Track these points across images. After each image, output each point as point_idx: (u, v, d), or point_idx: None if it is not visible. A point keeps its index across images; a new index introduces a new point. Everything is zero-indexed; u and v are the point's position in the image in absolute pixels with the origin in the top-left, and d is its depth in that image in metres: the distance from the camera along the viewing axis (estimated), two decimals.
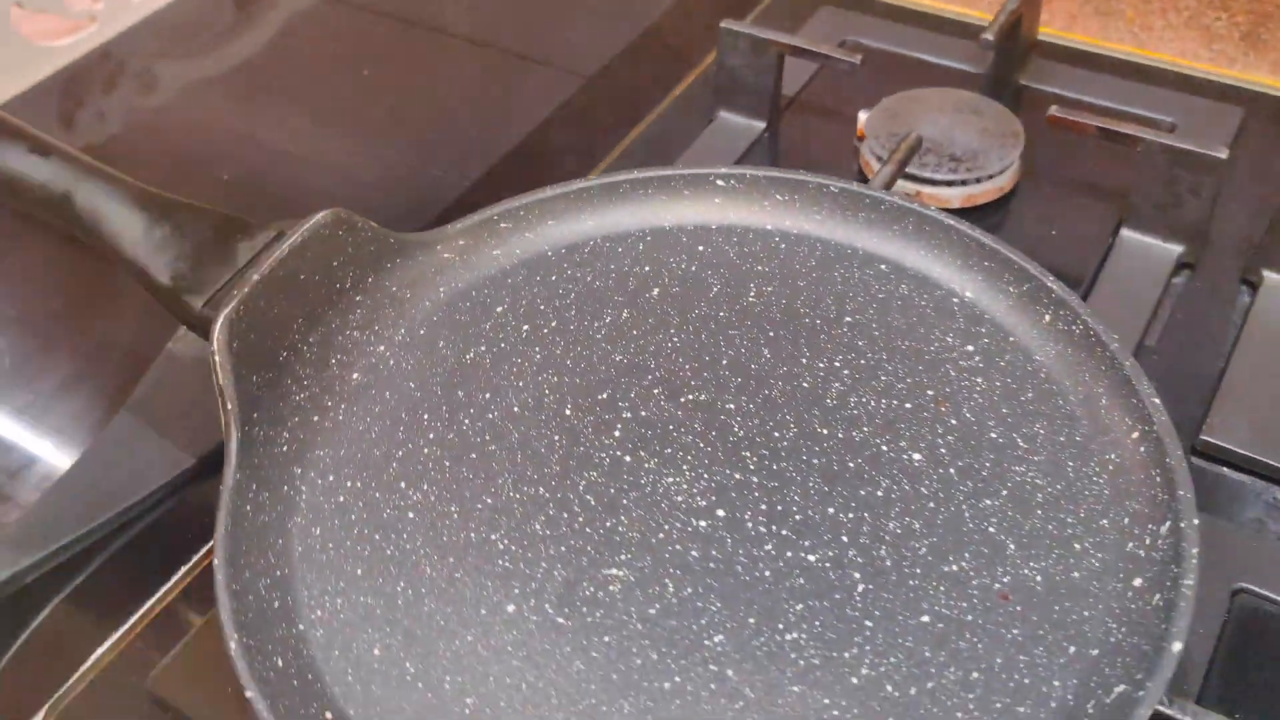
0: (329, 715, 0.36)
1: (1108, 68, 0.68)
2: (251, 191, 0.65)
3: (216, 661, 0.43)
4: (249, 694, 0.35)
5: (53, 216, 0.46)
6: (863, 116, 0.62)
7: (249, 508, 0.41)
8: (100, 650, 0.45)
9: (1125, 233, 0.57)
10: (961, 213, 0.59)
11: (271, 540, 0.40)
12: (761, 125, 0.64)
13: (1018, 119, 0.60)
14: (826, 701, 0.36)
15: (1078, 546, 0.39)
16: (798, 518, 0.40)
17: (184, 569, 0.47)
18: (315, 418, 0.44)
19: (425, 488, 0.42)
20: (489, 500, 0.42)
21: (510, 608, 0.39)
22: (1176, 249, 0.56)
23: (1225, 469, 0.48)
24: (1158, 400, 0.41)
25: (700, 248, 0.50)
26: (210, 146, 0.68)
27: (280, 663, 0.37)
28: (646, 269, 0.49)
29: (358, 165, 0.66)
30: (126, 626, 0.45)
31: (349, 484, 0.42)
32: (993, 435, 0.42)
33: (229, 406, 0.41)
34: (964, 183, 0.58)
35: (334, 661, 0.38)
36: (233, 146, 0.68)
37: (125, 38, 0.76)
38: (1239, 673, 0.42)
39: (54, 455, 0.52)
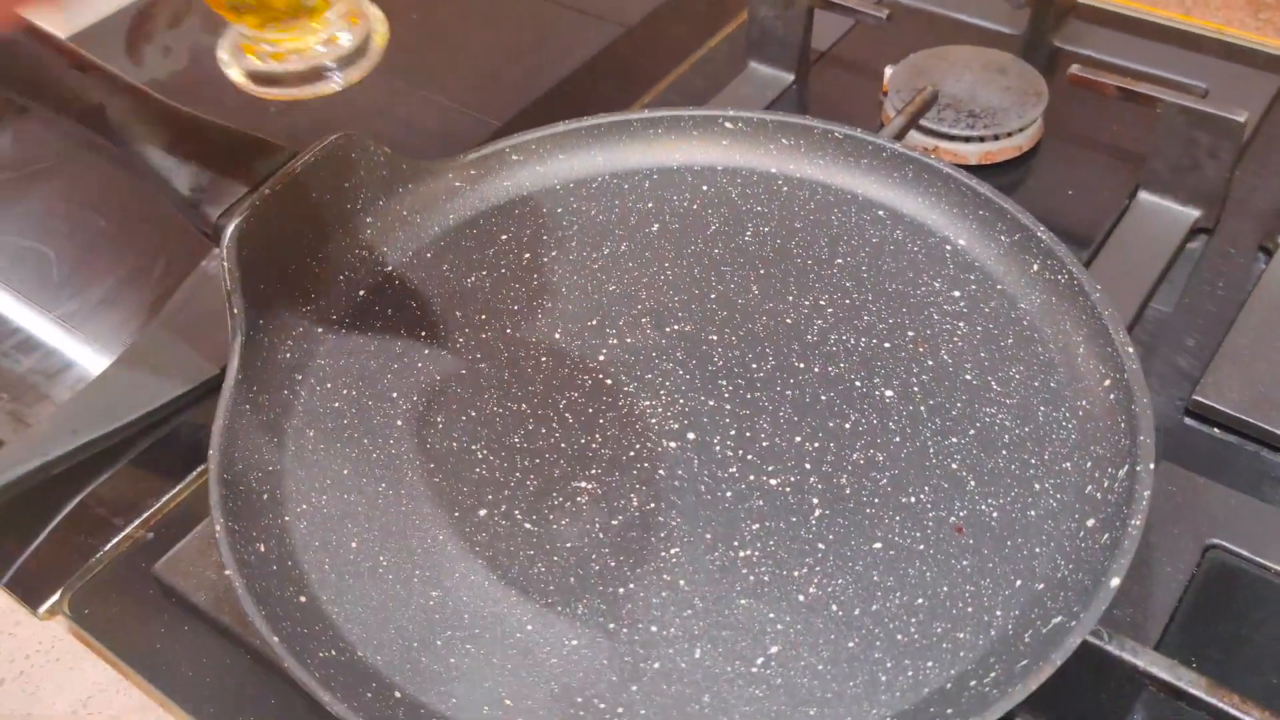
0: (303, 599, 0.39)
1: (1151, 33, 0.67)
2: (293, 123, 0.67)
3: (216, 552, 0.46)
4: (228, 572, 0.37)
5: (90, 127, 0.49)
6: (889, 72, 0.62)
7: (248, 406, 0.43)
8: (114, 540, 0.48)
9: (1142, 195, 0.56)
10: (979, 169, 0.59)
11: (267, 438, 0.43)
12: (790, 77, 0.65)
13: (1042, 79, 0.60)
14: (771, 615, 0.37)
15: (1038, 487, 0.40)
16: (764, 444, 0.42)
17: (195, 472, 0.49)
18: (319, 329, 0.46)
19: (415, 398, 0.44)
20: (473, 413, 0.44)
21: (482, 512, 0.41)
22: (1193, 213, 0.55)
23: (1216, 430, 0.48)
24: (1132, 349, 0.41)
25: (704, 187, 0.51)
26: None
27: (263, 549, 0.39)
28: (650, 205, 0.50)
29: (401, 103, 0.68)
30: (139, 520, 0.48)
31: (345, 392, 0.45)
32: (968, 377, 0.43)
33: (235, 311, 0.44)
34: (982, 139, 0.58)
35: (314, 551, 0.40)
36: None
37: None
38: (1202, 624, 0.42)
39: (90, 360, 0.55)
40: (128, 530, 0.48)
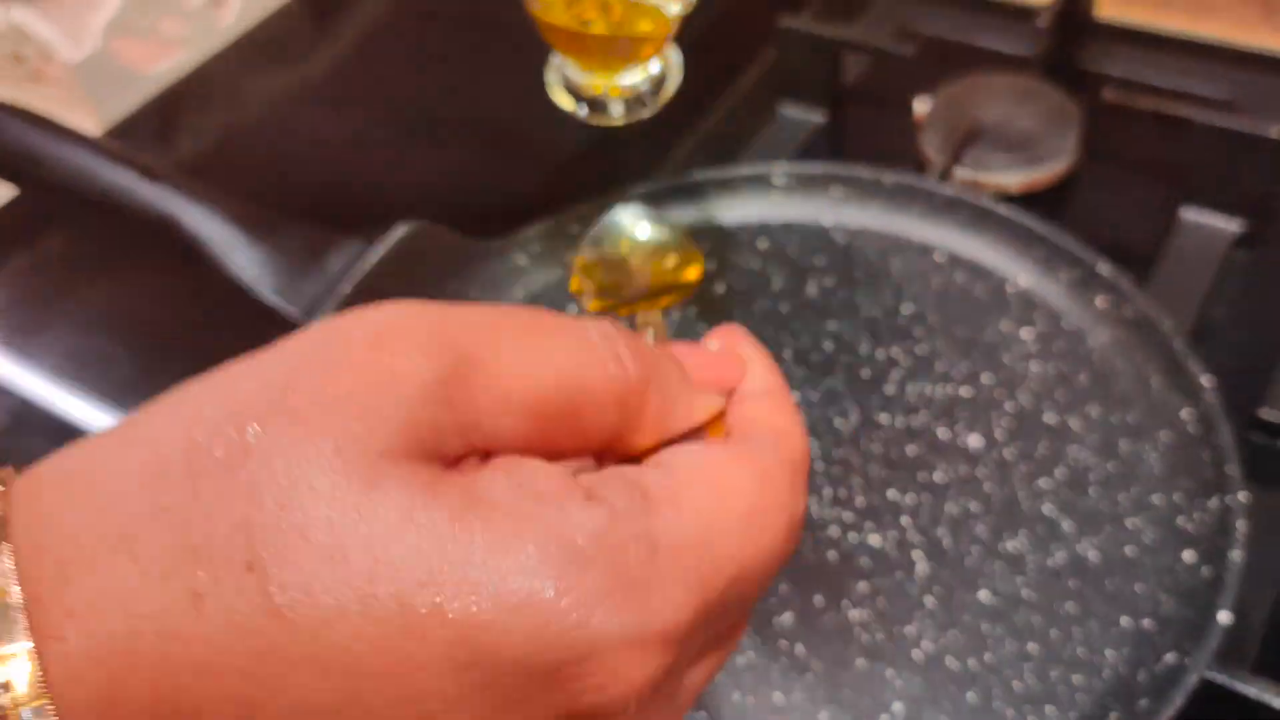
0: None
1: (1167, 46, 0.68)
2: (339, 197, 0.68)
3: None
4: None
5: (163, 233, 0.50)
6: (920, 104, 0.63)
7: None
8: None
9: (1185, 211, 0.57)
10: (1021, 197, 0.60)
11: None
12: (821, 117, 0.66)
13: (1073, 102, 0.61)
14: (889, 673, 0.38)
15: (1130, 523, 0.41)
16: (860, 502, 0.43)
17: None
18: None
19: None
20: None
21: None
22: (1236, 225, 0.56)
23: None
24: (1205, 379, 0.42)
25: (762, 244, 0.52)
26: (298, 156, 0.72)
27: None
28: (712, 267, 0.52)
29: (435, 168, 0.69)
30: None
31: None
32: (1047, 419, 0.44)
33: None
34: (1021, 168, 0.59)
35: None
36: (319, 155, 0.72)
37: (214, 60, 0.80)
38: None
39: None
40: None
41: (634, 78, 0.44)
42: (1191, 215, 0.57)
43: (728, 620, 0.21)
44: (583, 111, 0.45)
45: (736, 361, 0.24)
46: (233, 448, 0.17)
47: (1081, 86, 0.66)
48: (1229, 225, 0.57)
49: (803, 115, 0.67)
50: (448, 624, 0.16)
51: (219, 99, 0.78)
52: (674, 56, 0.46)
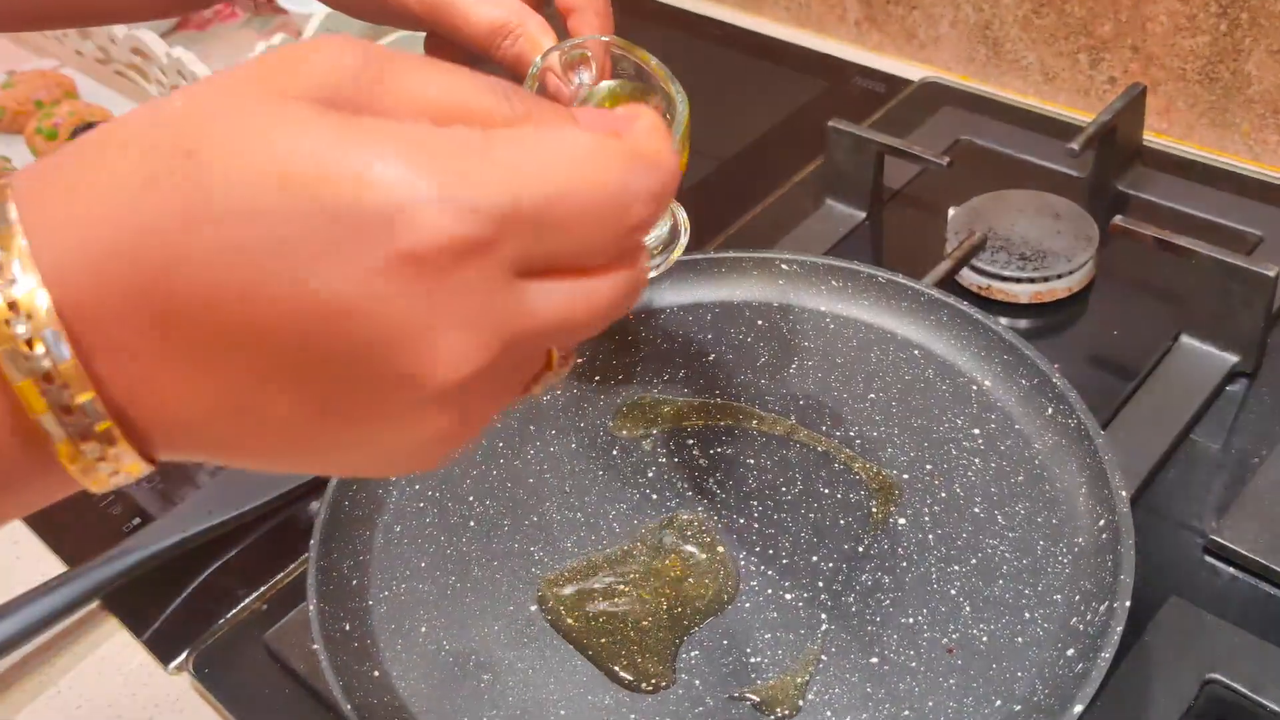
0: (376, 674, 0.45)
1: (1217, 178, 0.70)
2: None
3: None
4: (315, 646, 0.44)
5: None
6: (953, 212, 0.67)
7: (347, 503, 0.50)
8: (235, 609, 0.55)
9: (1184, 338, 0.59)
10: (1030, 308, 0.63)
11: (360, 531, 0.50)
12: (862, 215, 0.70)
13: (1094, 223, 0.64)
14: (772, 717, 0.42)
15: (1028, 615, 0.44)
16: (784, 561, 0.47)
17: (304, 555, 0.57)
18: None
19: (488, 502, 0.51)
20: (535, 518, 0.50)
21: (533, 607, 0.47)
22: (1231, 358, 0.58)
23: (1232, 569, 0.51)
24: (1125, 493, 0.45)
25: (759, 322, 0.57)
26: None
27: (347, 627, 0.46)
28: (709, 337, 0.57)
29: None
30: (257, 594, 0.56)
31: (430, 493, 0.52)
32: (976, 510, 0.48)
33: None
34: (1032, 280, 0.62)
35: (389, 632, 0.47)
36: None
37: None
38: None
39: None
40: (247, 601, 0.55)
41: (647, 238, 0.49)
42: (1191, 342, 0.59)
43: (561, 244, 0.24)
44: None
45: (625, 119, 0.27)
46: (180, 97, 0.23)
47: (1123, 210, 0.69)
48: (1225, 357, 0.58)
49: (847, 211, 0.71)
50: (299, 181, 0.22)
51: None
52: (680, 215, 0.51)
